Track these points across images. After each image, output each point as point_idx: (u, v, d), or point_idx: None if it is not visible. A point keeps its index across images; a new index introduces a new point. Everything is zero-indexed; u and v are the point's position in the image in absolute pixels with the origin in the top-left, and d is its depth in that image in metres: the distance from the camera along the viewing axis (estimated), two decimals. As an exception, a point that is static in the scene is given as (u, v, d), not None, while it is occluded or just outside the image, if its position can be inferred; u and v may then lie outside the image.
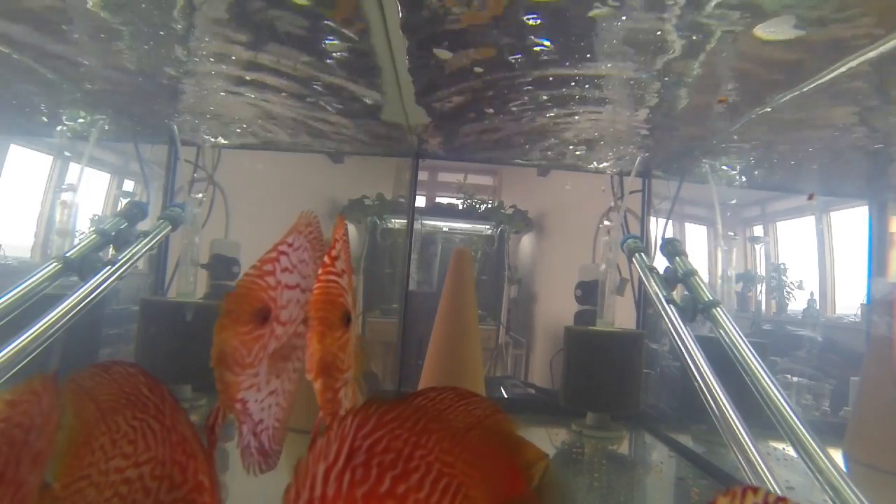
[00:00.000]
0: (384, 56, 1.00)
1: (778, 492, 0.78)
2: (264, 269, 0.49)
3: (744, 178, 1.60)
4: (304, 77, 1.15)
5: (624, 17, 0.82)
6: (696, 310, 1.24)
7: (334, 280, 0.46)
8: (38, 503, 0.33)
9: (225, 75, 1.17)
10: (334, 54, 1.02)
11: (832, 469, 0.79)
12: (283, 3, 0.85)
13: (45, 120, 1.55)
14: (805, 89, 0.98)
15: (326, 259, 0.47)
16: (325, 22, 0.91)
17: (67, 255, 1.28)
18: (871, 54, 0.83)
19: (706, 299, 1.23)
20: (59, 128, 1.55)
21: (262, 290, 0.48)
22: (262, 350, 0.48)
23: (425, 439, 0.31)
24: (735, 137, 1.32)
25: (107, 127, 1.55)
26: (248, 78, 1.18)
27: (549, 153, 1.65)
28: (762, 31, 0.82)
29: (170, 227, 1.50)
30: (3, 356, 0.98)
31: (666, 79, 1.02)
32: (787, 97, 1.03)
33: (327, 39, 0.97)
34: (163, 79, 1.21)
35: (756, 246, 2.53)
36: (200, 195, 1.73)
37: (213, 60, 1.09)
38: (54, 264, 1.25)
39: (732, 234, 1.62)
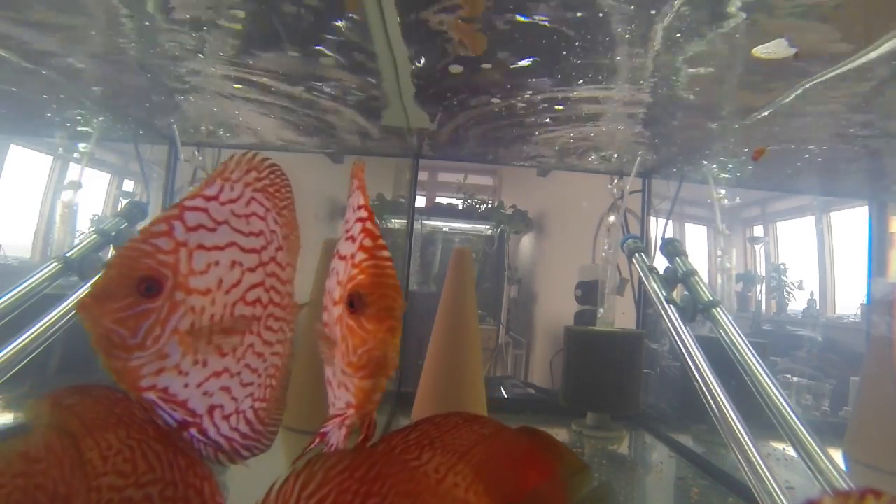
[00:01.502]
0: (384, 58, 1.00)
1: (778, 491, 0.78)
2: (153, 230, 0.41)
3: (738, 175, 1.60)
4: (304, 77, 1.15)
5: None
6: (696, 310, 1.24)
7: (386, 254, 0.39)
8: None
9: (225, 76, 1.17)
10: (334, 54, 1.02)
11: (832, 469, 0.79)
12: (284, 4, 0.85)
13: (45, 120, 1.55)
14: (805, 89, 0.98)
15: (367, 223, 0.40)
16: (326, 22, 0.91)
17: (67, 255, 1.28)
18: (872, 55, 0.83)
19: (706, 299, 1.23)
20: (59, 131, 1.55)
21: (145, 256, 0.40)
22: (158, 327, 0.40)
23: (378, 486, 0.30)
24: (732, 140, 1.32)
25: (105, 127, 1.55)
26: (248, 78, 1.18)
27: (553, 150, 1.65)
28: (760, 51, 0.85)
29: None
30: (3, 356, 0.98)
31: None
32: (788, 97, 1.03)
33: (327, 38, 0.97)
34: (165, 81, 1.21)
35: (756, 246, 2.53)
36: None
37: (213, 61, 1.09)
38: (54, 264, 1.25)
39: (728, 233, 1.62)
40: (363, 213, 0.41)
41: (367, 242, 0.39)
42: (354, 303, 0.37)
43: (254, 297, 0.46)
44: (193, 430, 0.43)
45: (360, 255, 0.38)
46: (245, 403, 0.47)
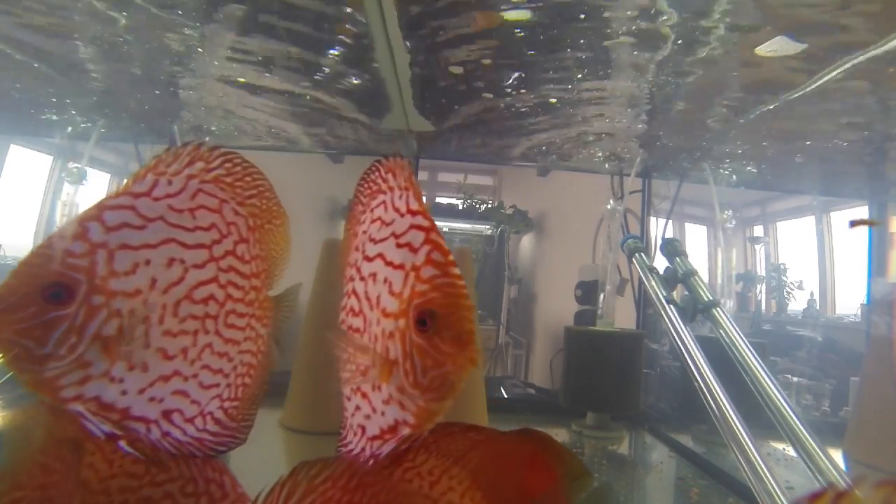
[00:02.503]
0: (384, 59, 1.00)
1: (778, 491, 0.78)
2: (63, 233, 0.39)
3: (735, 178, 1.60)
4: (303, 73, 1.15)
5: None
6: (696, 310, 1.24)
7: (458, 271, 0.36)
8: None
9: (225, 76, 1.17)
10: (334, 54, 1.02)
11: (832, 469, 0.79)
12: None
13: (46, 119, 1.55)
14: (805, 90, 0.98)
15: (431, 234, 0.37)
16: (327, 23, 0.91)
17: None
18: (872, 54, 0.83)
19: (706, 299, 1.23)
20: (59, 131, 1.55)
21: (50, 261, 0.38)
22: (73, 335, 0.38)
23: (359, 496, 0.31)
24: (737, 141, 1.32)
25: (104, 130, 1.55)
26: (248, 78, 1.18)
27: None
28: (763, 50, 0.84)
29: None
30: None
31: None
32: (788, 97, 1.03)
33: (329, 48, 0.97)
34: (164, 82, 1.21)
35: (756, 246, 2.53)
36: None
37: (213, 60, 1.09)
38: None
39: (731, 224, 1.62)
40: (423, 221, 0.38)
41: (438, 257, 0.37)
42: (427, 322, 0.35)
43: (204, 294, 0.44)
44: (122, 443, 0.40)
45: (430, 270, 0.36)
46: (212, 405, 0.46)
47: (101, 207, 0.41)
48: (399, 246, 0.39)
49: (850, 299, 2.26)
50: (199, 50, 1.04)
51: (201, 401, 0.45)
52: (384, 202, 0.43)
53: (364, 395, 0.42)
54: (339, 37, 0.95)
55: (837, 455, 1.34)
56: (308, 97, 1.28)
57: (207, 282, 0.44)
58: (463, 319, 0.35)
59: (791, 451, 0.89)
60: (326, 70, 1.11)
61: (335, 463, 0.32)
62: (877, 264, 1.79)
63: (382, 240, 0.41)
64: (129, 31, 0.97)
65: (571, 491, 0.37)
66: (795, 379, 1.91)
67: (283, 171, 2.13)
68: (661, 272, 1.41)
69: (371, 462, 0.39)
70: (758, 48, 0.84)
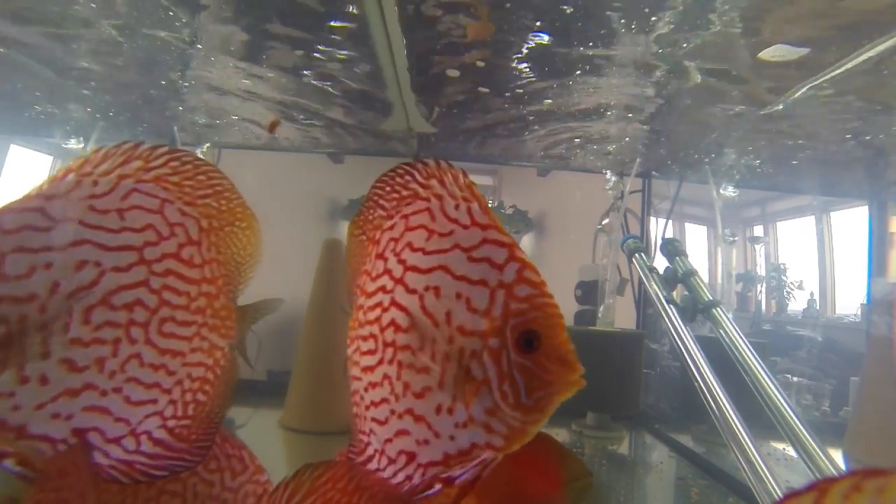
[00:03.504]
0: (385, 60, 1.00)
1: (778, 491, 0.78)
2: None
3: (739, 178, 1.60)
4: (303, 74, 1.15)
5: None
6: (696, 310, 1.24)
7: (549, 292, 0.36)
8: None
9: (224, 76, 1.17)
10: (335, 54, 1.02)
11: (832, 469, 0.79)
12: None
13: (46, 119, 1.55)
14: (805, 88, 0.98)
15: (516, 251, 0.36)
16: (327, 23, 0.91)
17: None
18: (870, 53, 0.83)
19: (706, 299, 1.23)
20: (59, 131, 1.55)
21: None
22: None
23: (357, 498, 0.33)
24: (737, 139, 1.32)
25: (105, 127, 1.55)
26: (247, 78, 1.18)
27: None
28: (767, 55, 0.85)
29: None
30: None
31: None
32: (788, 97, 1.03)
33: (328, 36, 0.97)
34: (163, 81, 1.21)
35: (756, 246, 2.54)
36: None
37: (214, 61, 1.09)
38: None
39: (731, 233, 1.62)
40: (500, 236, 0.37)
41: (531, 275, 0.36)
42: (533, 342, 0.34)
43: (127, 299, 0.40)
44: (7, 463, 0.36)
45: (526, 289, 0.36)
46: (148, 424, 0.41)
47: (2, 210, 0.39)
48: (473, 260, 0.37)
49: (850, 299, 2.26)
50: (199, 46, 1.04)
51: (130, 419, 0.40)
52: (428, 210, 0.40)
53: (419, 419, 0.37)
54: (338, 36, 0.95)
55: (837, 455, 1.34)
56: (308, 97, 1.28)
57: (132, 286, 0.40)
58: (566, 340, 0.35)
59: (791, 451, 0.89)
60: (327, 70, 1.11)
61: (337, 466, 0.34)
62: (877, 264, 1.79)
63: (440, 251, 0.38)
64: (127, 29, 0.97)
65: (572, 490, 0.37)
66: (795, 379, 1.91)
67: (283, 171, 2.14)
68: (661, 272, 1.41)
69: (439, 489, 0.36)
70: (761, 53, 0.85)
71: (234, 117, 1.49)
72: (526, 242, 2.53)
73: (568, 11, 0.81)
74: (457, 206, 0.39)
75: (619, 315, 1.60)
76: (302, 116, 1.44)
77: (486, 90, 1.16)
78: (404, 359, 0.38)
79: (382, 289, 0.41)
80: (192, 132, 1.65)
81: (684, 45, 0.88)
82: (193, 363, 0.42)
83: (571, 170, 1.86)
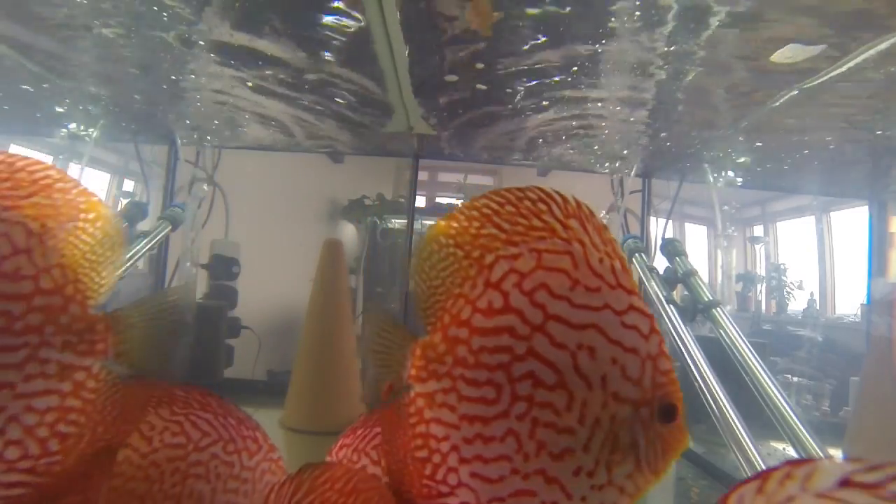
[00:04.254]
0: (386, 61, 1.00)
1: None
2: None
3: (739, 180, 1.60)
4: (303, 75, 1.15)
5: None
6: (696, 310, 1.24)
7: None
8: None
9: (224, 76, 1.17)
10: (336, 53, 1.02)
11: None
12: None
13: (46, 119, 1.55)
14: (806, 87, 0.98)
15: (654, 322, 0.36)
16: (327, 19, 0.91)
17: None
18: (871, 52, 0.83)
19: (706, 299, 1.23)
20: (58, 131, 1.55)
21: None
22: None
23: (352, 500, 0.35)
24: (740, 138, 1.32)
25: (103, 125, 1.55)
26: (248, 79, 1.18)
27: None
28: (780, 58, 0.85)
29: (170, 227, 1.50)
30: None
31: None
32: (789, 96, 1.03)
33: (328, 37, 0.97)
34: (163, 83, 1.21)
35: (756, 246, 2.54)
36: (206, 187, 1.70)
37: (214, 62, 1.09)
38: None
39: (732, 229, 1.62)
40: (643, 305, 0.36)
41: (666, 349, 0.36)
42: (674, 414, 0.36)
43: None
44: None
45: (666, 364, 0.36)
46: None
47: None
48: (626, 326, 0.36)
49: (850, 299, 2.26)
50: (200, 45, 1.04)
51: None
52: (570, 254, 0.37)
53: (552, 481, 0.35)
54: (339, 37, 0.95)
55: (837, 455, 1.34)
56: (309, 97, 1.28)
57: None
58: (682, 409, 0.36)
59: (791, 451, 0.89)
60: (327, 70, 1.11)
61: (336, 467, 0.36)
62: (877, 264, 1.79)
63: (589, 308, 0.36)
64: (127, 28, 0.97)
65: None
66: (795, 379, 1.91)
67: (283, 171, 2.14)
68: (661, 272, 1.41)
69: None
70: (773, 56, 0.85)
71: (235, 117, 1.49)
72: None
73: (567, 11, 0.81)
74: (601, 261, 0.37)
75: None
76: (303, 116, 1.44)
77: (484, 87, 1.16)
78: (542, 416, 0.35)
79: (510, 331, 0.36)
80: (192, 132, 1.65)
81: (684, 44, 0.88)
82: (34, 393, 0.35)
83: (571, 170, 1.86)
